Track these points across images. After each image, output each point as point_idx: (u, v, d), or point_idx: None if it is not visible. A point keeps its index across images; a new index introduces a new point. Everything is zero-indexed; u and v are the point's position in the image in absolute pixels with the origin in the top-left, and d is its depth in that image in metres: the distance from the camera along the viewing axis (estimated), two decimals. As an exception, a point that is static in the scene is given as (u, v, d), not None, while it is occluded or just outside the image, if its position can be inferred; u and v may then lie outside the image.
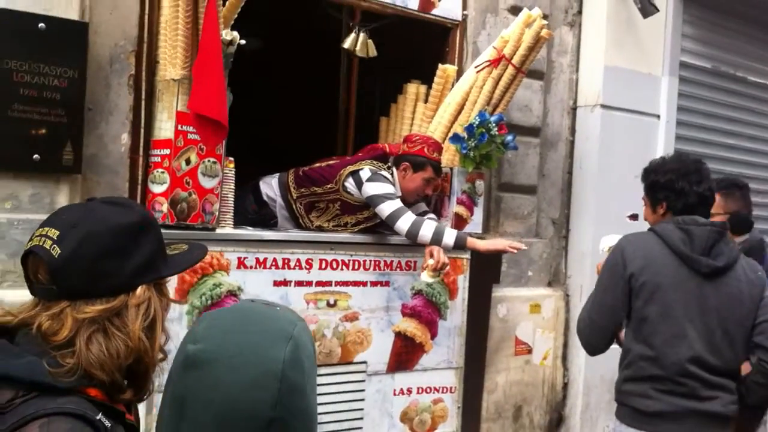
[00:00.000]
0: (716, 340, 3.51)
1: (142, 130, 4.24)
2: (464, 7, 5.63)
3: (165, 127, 4.12)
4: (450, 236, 4.63)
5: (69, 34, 3.94)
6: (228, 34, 4.06)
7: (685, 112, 6.95)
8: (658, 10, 6.16)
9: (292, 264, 4.54)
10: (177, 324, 4.03)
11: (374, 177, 4.67)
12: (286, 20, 7.04)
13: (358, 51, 5.51)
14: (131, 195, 4.23)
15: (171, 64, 4.08)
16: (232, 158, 4.35)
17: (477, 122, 4.97)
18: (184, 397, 1.35)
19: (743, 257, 3.64)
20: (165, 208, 4.04)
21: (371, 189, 4.64)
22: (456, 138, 5.06)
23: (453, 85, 5.34)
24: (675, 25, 6.76)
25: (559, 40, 6.29)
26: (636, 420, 3.62)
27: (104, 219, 1.74)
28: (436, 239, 4.62)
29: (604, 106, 6.25)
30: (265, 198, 5.10)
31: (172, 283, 4.06)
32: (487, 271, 5.41)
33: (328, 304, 4.69)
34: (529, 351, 6.05)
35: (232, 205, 4.41)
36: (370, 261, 4.84)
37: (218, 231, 4.28)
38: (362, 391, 4.89)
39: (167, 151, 4.07)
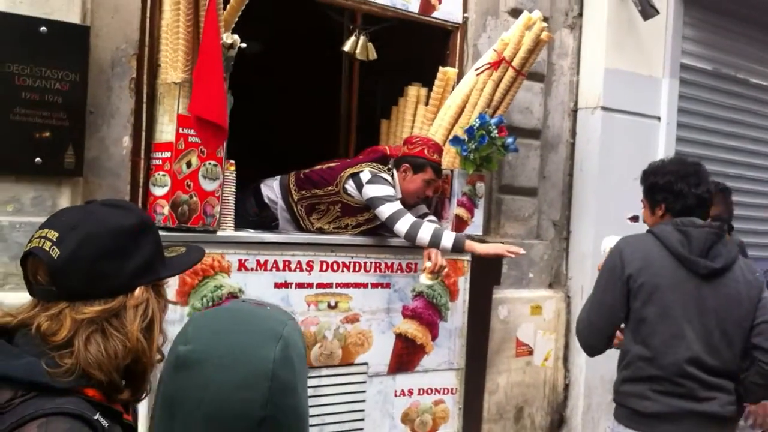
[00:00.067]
0: (714, 341, 3.52)
1: (144, 133, 4.26)
2: (465, 10, 5.64)
3: (166, 130, 4.14)
4: (448, 239, 4.64)
5: (70, 37, 3.95)
6: (229, 38, 4.08)
7: (686, 114, 6.95)
8: (658, 12, 6.17)
9: (292, 266, 4.55)
10: (178, 326, 3.98)
11: (374, 179, 4.69)
12: (287, 23, 7.06)
13: (358, 54, 5.53)
14: (132, 198, 4.25)
15: (172, 68, 4.10)
16: (233, 161, 4.37)
17: (477, 124, 4.98)
18: (175, 397, 1.36)
19: (741, 259, 3.65)
20: (166, 210, 4.06)
21: (371, 191, 4.66)
22: (456, 140, 5.07)
23: (453, 88, 5.36)
24: (676, 27, 6.76)
25: (559, 42, 6.30)
26: (634, 421, 3.63)
27: (103, 221, 1.76)
28: (435, 242, 4.62)
29: (604, 108, 6.26)
30: (266, 200, 5.12)
31: (173, 286, 4.08)
32: (487, 272, 5.42)
33: (329, 306, 4.71)
34: (530, 352, 6.06)
35: (233, 207, 4.42)
36: (371, 263, 4.86)
37: (219, 233, 4.29)
38: (363, 392, 4.90)
39: (168, 154, 4.09)
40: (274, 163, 5.37)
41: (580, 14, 6.41)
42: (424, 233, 4.59)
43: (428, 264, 4.62)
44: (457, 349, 5.28)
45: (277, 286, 4.50)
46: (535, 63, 5.40)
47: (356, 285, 4.81)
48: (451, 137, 5.14)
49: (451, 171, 5.23)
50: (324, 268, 4.68)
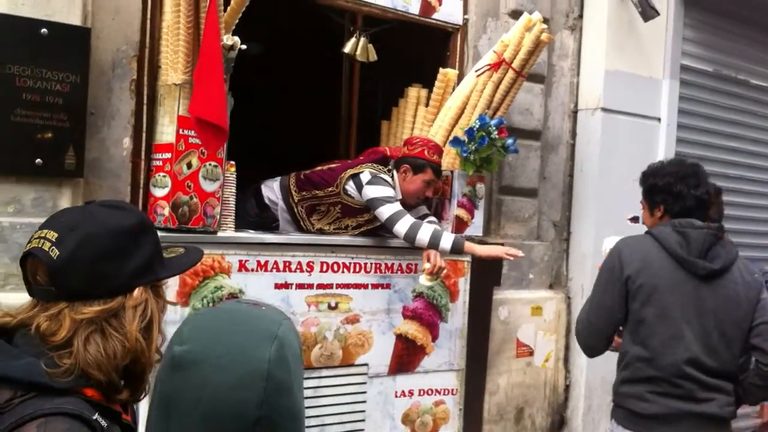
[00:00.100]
0: (713, 341, 3.52)
1: (144, 135, 4.27)
2: (465, 12, 5.64)
3: (166, 132, 4.15)
4: (447, 240, 4.65)
5: (71, 39, 3.97)
6: (229, 39, 4.09)
7: (687, 115, 6.95)
8: (658, 14, 6.17)
9: (293, 267, 4.56)
10: (178, 326, 4.04)
11: (374, 180, 4.70)
12: (288, 25, 7.07)
13: (358, 55, 5.53)
14: (133, 199, 4.26)
15: (173, 69, 4.11)
16: (233, 162, 4.37)
17: (477, 126, 4.99)
18: (172, 397, 1.37)
19: (740, 260, 3.66)
20: (166, 211, 4.07)
21: (371, 192, 4.67)
22: (456, 141, 5.08)
23: (454, 89, 5.37)
24: (676, 29, 6.76)
25: (560, 43, 6.31)
26: (632, 422, 3.64)
27: (103, 222, 1.77)
28: (434, 243, 4.63)
29: (604, 110, 6.26)
30: (266, 201, 5.14)
31: (173, 286, 4.09)
32: (488, 273, 5.43)
33: (329, 307, 4.71)
34: (531, 353, 6.06)
35: (234, 208, 4.43)
36: (371, 264, 4.86)
37: (219, 234, 4.30)
38: (364, 393, 4.91)
39: (169, 155, 4.10)
40: (275, 164, 5.38)
41: (581, 16, 6.42)
42: (423, 234, 4.60)
43: (427, 265, 4.63)
44: (457, 349, 5.29)
45: (278, 286, 4.51)
46: (535, 64, 5.41)
47: (356, 286, 4.82)
48: (451, 138, 5.15)
49: (451, 172, 5.23)
50: (324, 268, 4.69)
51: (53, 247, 1.70)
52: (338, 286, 4.74)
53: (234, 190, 4.41)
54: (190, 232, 4.13)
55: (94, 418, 1.65)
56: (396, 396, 5.06)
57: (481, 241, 5.30)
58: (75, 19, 3.99)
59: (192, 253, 1.98)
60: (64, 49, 3.93)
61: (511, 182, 5.97)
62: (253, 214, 5.15)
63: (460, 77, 5.48)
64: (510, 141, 5.17)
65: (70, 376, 1.67)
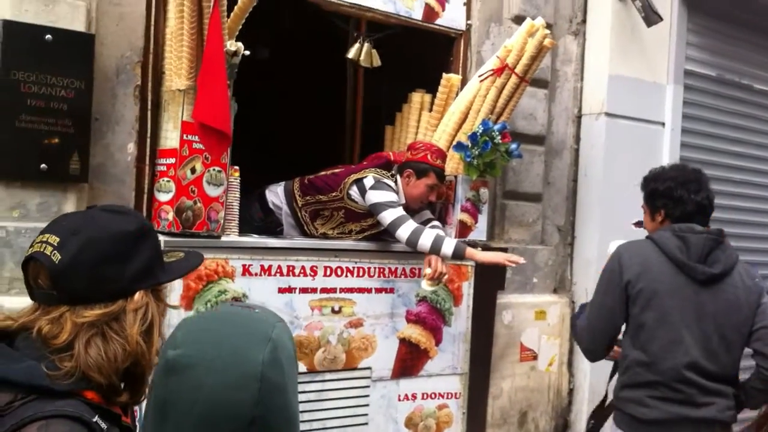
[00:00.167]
0: (713, 346, 3.52)
1: (148, 140, 4.31)
2: (468, 17, 5.66)
3: (171, 137, 4.18)
4: (449, 246, 4.66)
5: (76, 45, 4.00)
6: (232, 45, 4.11)
7: (690, 120, 6.95)
8: (661, 19, 6.18)
9: (296, 271, 4.57)
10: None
11: (377, 185, 4.72)
12: (292, 30, 7.10)
13: (362, 61, 5.56)
14: (137, 203, 4.29)
15: (176, 75, 4.13)
16: (237, 167, 4.39)
17: (481, 131, 5.00)
18: (168, 400, 1.39)
19: (741, 264, 3.66)
20: (171, 216, 4.09)
21: (374, 197, 4.68)
22: (460, 146, 5.09)
23: (457, 94, 5.38)
24: (680, 34, 6.77)
25: (563, 48, 6.32)
26: (633, 427, 3.64)
27: (104, 226, 1.79)
28: (435, 248, 4.64)
29: (608, 114, 6.27)
30: (270, 206, 5.15)
31: (177, 290, 4.10)
32: (492, 277, 5.44)
33: (333, 311, 4.73)
34: (535, 357, 6.06)
35: (237, 213, 4.45)
36: (375, 268, 4.88)
37: (223, 238, 4.31)
38: (367, 396, 4.91)
39: (173, 160, 4.12)
40: (279, 169, 5.40)
41: (584, 21, 6.43)
42: (425, 240, 4.62)
43: (428, 270, 4.65)
44: (461, 353, 5.29)
45: (281, 291, 4.52)
46: (538, 69, 5.42)
47: (360, 290, 4.83)
48: (454, 143, 5.16)
49: (455, 177, 5.24)
50: (328, 273, 4.70)
51: (55, 252, 1.72)
52: (342, 290, 4.76)
53: (238, 195, 4.42)
54: (194, 237, 4.14)
55: (95, 420, 1.66)
56: (399, 400, 5.06)
57: (485, 246, 5.31)
58: (79, 26, 4.03)
59: (192, 258, 2.00)
60: (69, 56, 3.96)
61: (515, 187, 5.98)
62: (258, 218, 5.17)
63: (464, 82, 5.49)
64: (513, 146, 5.18)
65: (70, 378, 1.69)
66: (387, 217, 4.64)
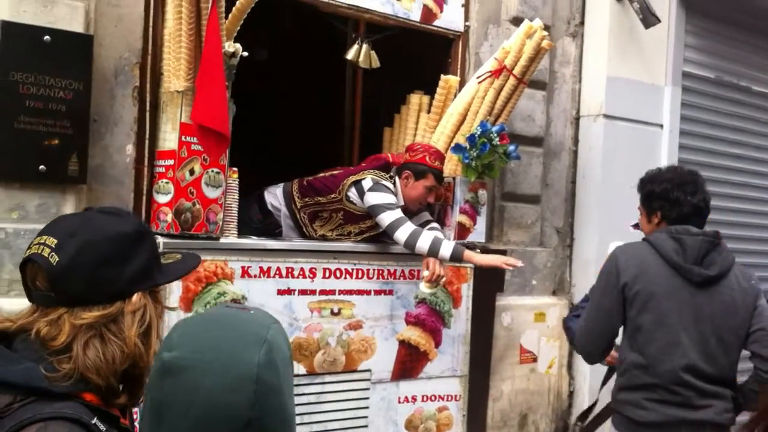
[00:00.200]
0: (711, 348, 3.52)
1: (147, 141, 4.30)
2: (466, 19, 5.66)
3: (169, 138, 4.17)
4: (447, 248, 4.65)
5: (74, 46, 4.00)
6: (231, 46, 4.11)
7: (689, 121, 6.96)
8: (659, 21, 6.18)
9: (295, 273, 4.57)
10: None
11: (376, 187, 4.71)
12: (291, 31, 7.10)
13: (361, 62, 5.56)
14: (136, 205, 4.29)
15: (175, 76, 4.12)
16: (235, 168, 4.39)
17: (479, 132, 5.00)
18: (163, 402, 1.39)
19: (737, 266, 3.66)
20: (169, 217, 4.08)
21: (372, 199, 4.68)
22: (458, 148, 5.09)
23: (455, 96, 5.38)
24: (678, 35, 6.78)
25: (561, 50, 6.32)
26: (630, 430, 3.64)
27: (102, 228, 1.79)
28: (433, 251, 4.64)
29: (606, 116, 6.28)
30: (269, 207, 5.15)
31: (176, 292, 4.11)
32: (491, 280, 5.44)
33: (332, 313, 4.72)
34: (534, 359, 6.06)
35: (236, 214, 4.45)
36: (374, 270, 4.88)
37: (222, 240, 4.31)
38: (366, 398, 4.91)
39: (171, 162, 4.12)
40: (278, 171, 5.40)
41: (582, 22, 6.44)
42: (423, 242, 4.61)
43: (426, 273, 4.65)
44: (460, 355, 5.29)
45: (280, 292, 4.52)
46: (536, 71, 5.42)
47: (359, 292, 4.83)
48: (453, 145, 5.16)
49: (453, 178, 5.25)
50: (327, 275, 4.70)
51: (53, 253, 1.72)
52: (341, 292, 4.76)
53: (236, 197, 4.42)
54: (192, 239, 4.14)
55: (93, 422, 1.66)
56: (399, 402, 5.06)
57: (483, 248, 5.32)
58: (78, 27, 4.02)
59: (189, 259, 2.00)
60: (67, 57, 3.96)
61: (514, 189, 5.98)
62: (257, 220, 5.16)
63: (462, 84, 5.49)
64: (512, 147, 5.18)
65: (69, 380, 1.68)
66: (385, 219, 4.64)
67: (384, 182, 4.78)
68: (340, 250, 4.82)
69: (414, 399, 5.13)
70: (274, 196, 5.14)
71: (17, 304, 3.41)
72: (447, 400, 5.29)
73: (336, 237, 4.98)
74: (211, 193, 4.19)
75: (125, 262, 1.79)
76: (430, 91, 5.48)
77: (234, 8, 4.19)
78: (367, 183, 4.74)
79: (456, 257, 4.68)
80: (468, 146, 5.04)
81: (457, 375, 5.30)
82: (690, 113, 6.97)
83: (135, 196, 4.31)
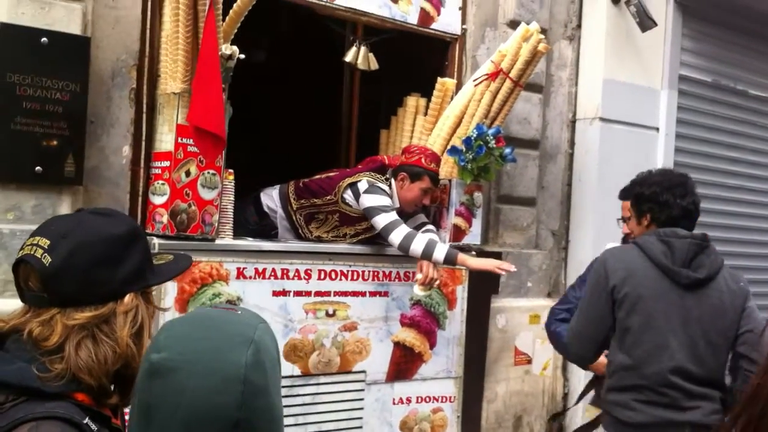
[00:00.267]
0: (699, 350, 3.52)
1: (143, 143, 4.32)
2: (463, 22, 5.68)
3: (165, 140, 4.19)
4: (441, 252, 4.66)
5: (71, 48, 4.01)
6: (227, 49, 4.12)
7: (685, 125, 6.98)
8: (656, 24, 6.20)
9: (291, 274, 4.58)
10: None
11: (371, 189, 4.73)
12: (289, 34, 7.11)
13: (359, 64, 5.56)
14: (132, 206, 4.30)
15: (171, 78, 4.14)
16: (231, 170, 4.41)
17: (475, 135, 5.01)
18: (151, 404, 1.39)
19: (726, 268, 3.67)
20: (165, 219, 4.10)
21: (368, 201, 4.70)
22: (454, 150, 5.11)
23: (452, 99, 5.40)
24: (674, 39, 6.80)
25: (558, 53, 6.34)
26: (619, 430, 3.65)
27: (94, 229, 1.79)
28: (427, 254, 4.65)
29: (603, 119, 6.30)
30: (265, 209, 5.16)
31: (171, 293, 4.11)
32: (486, 281, 5.45)
33: (327, 314, 4.74)
34: (529, 361, 6.07)
35: (232, 216, 4.46)
36: (369, 271, 4.89)
37: (218, 241, 4.33)
38: (361, 400, 4.93)
39: (167, 163, 4.13)
40: (275, 172, 5.41)
41: (579, 26, 6.45)
42: (417, 245, 4.63)
43: (419, 276, 4.67)
44: (455, 357, 5.30)
45: (276, 294, 4.53)
46: (533, 74, 5.44)
47: (354, 293, 4.84)
48: (449, 147, 5.17)
49: (449, 181, 5.26)
50: (322, 276, 4.71)
51: (45, 254, 1.73)
52: (336, 293, 4.77)
53: (232, 198, 4.44)
54: (188, 240, 4.16)
55: (85, 422, 1.67)
56: (394, 403, 5.07)
57: (479, 250, 5.33)
58: (75, 29, 4.04)
59: (181, 260, 2.01)
60: (65, 58, 3.97)
61: (510, 191, 5.99)
62: (253, 221, 5.18)
63: (459, 86, 5.51)
64: (508, 150, 5.19)
65: (61, 380, 1.69)
66: (380, 221, 4.66)
67: (380, 184, 4.79)
68: (336, 251, 4.83)
69: (409, 400, 5.14)
70: (271, 198, 5.16)
71: (12, 305, 3.41)
72: (441, 402, 5.30)
73: (332, 239, 4.99)
74: (207, 194, 4.20)
75: (118, 264, 1.80)
76: (427, 93, 5.50)
77: (231, 11, 4.21)
78: (362, 185, 4.75)
79: (450, 260, 4.69)
80: (464, 149, 5.05)
81: (452, 376, 5.32)
82: (686, 116, 6.99)
83: (131, 197, 4.33)
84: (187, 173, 4.12)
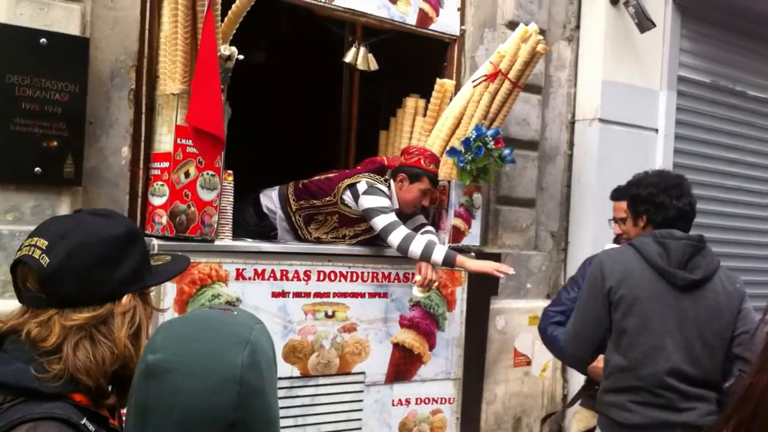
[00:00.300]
0: (695, 351, 3.52)
1: (142, 144, 4.32)
2: (462, 22, 5.68)
3: (164, 141, 4.19)
4: (439, 253, 4.66)
5: (70, 49, 4.01)
6: (226, 49, 4.12)
7: (684, 126, 6.98)
8: (654, 25, 6.20)
9: (290, 275, 4.58)
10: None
11: (370, 190, 4.72)
12: (288, 35, 7.10)
13: (359, 65, 5.56)
14: (131, 207, 4.30)
15: (171, 79, 4.14)
16: (230, 171, 4.41)
17: (474, 136, 5.01)
18: (147, 405, 1.38)
19: (722, 269, 3.67)
20: (164, 220, 4.09)
21: (367, 202, 4.69)
22: (453, 151, 5.11)
23: (451, 100, 5.39)
24: (673, 40, 6.80)
25: (557, 54, 6.34)
26: (615, 431, 3.66)
27: (92, 230, 1.80)
28: (426, 255, 4.64)
29: (602, 120, 6.30)
30: (265, 210, 5.16)
31: (171, 294, 4.11)
32: (485, 283, 5.45)
33: (327, 315, 4.73)
34: (528, 363, 6.07)
35: (231, 217, 4.46)
36: (368, 273, 4.89)
37: (217, 243, 4.32)
38: (360, 401, 4.93)
39: (167, 164, 4.13)
40: (274, 173, 5.41)
41: (578, 27, 6.46)
42: (416, 246, 4.62)
43: (418, 278, 4.67)
44: (454, 358, 5.30)
45: (275, 295, 4.53)
46: (532, 75, 5.44)
47: (354, 294, 4.84)
48: (448, 148, 5.17)
49: (448, 182, 5.26)
50: (321, 277, 4.71)
51: (43, 255, 1.73)
52: (335, 294, 4.77)
53: (231, 199, 4.44)
54: (187, 241, 4.16)
55: (82, 422, 1.67)
56: (393, 405, 5.07)
57: (478, 251, 5.33)
58: (74, 29, 4.04)
59: (179, 261, 2.01)
60: (64, 59, 3.98)
61: (509, 192, 5.99)
62: (252, 222, 5.18)
63: (458, 87, 5.51)
64: (507, 151, 5.19)
65: (59, 381, 1.69)
66: (379, 222, 4.65)
67: (379, 185, 4.79)
68: (335, 253, 4.83)
69: (408, 402, 5.14)
70: (270, 199, 5.16)
71: (12, 305, 3.42)
72: (441, 403, 5.29)
73: (331, 240, 4.99)
74: (207, 195, 4.20)
75: (116, 264, 1.80)
76: (426, 94, 5.50)
77: (230, 11, 4.20)
78: (362, 186, 4.75)
79: (448, 262, 4.69)
80: (463, 150, 5.05)
81: (451, 378, 5.31)
82: (685, 117, 6.99)
83: (130, 198, 4.33)
84: (187, 174, 4.12)
